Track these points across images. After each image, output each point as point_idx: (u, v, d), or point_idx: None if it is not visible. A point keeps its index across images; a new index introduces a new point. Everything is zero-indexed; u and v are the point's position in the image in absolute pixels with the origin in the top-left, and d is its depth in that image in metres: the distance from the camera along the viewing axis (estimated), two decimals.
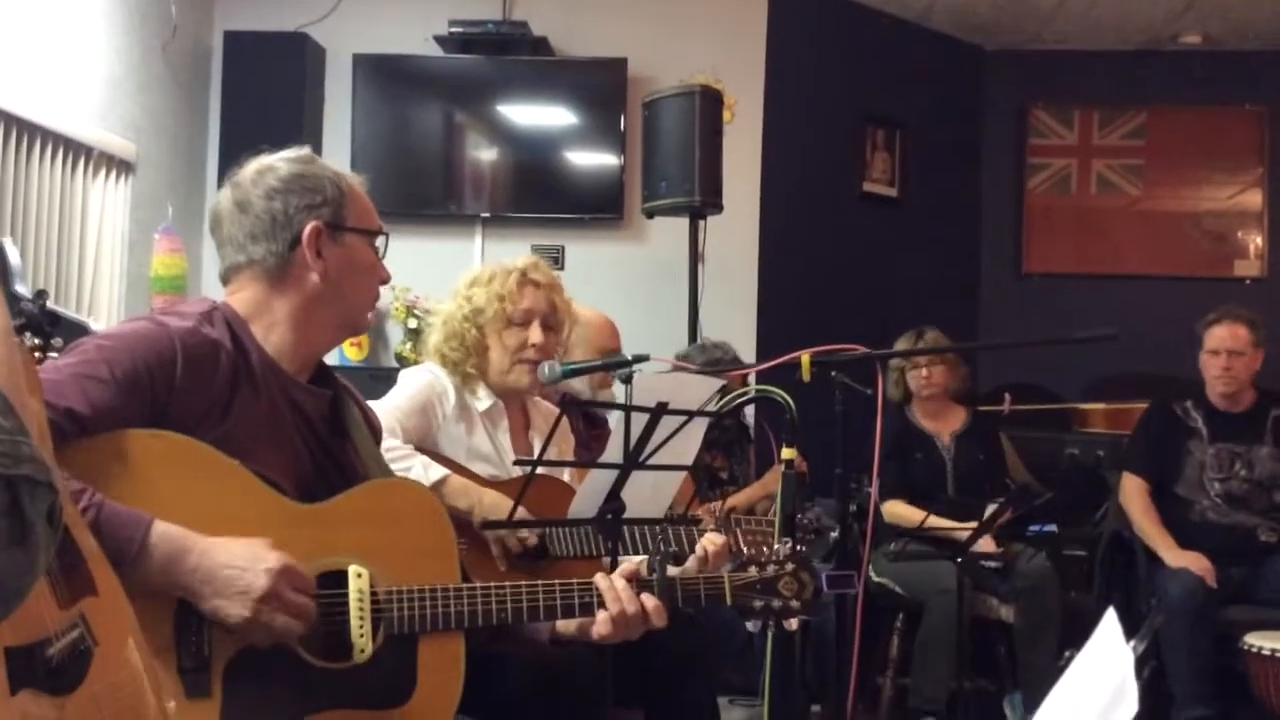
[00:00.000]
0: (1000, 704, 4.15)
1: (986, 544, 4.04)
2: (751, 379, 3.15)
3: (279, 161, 1.85)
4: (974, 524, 3.59)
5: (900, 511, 4.17)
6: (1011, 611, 4.05)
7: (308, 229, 1.80)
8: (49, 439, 1.24)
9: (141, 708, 1.29)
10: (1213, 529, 4.07)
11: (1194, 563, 3.91)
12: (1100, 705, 0.86)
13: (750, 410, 4.41)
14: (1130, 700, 0.84)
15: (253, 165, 1.86)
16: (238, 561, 1.57)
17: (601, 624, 1.84)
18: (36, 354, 2.16)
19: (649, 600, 1.85)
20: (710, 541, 2.59)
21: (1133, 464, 4.26)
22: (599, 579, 1.85)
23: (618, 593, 1.83)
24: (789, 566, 1.92)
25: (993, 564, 4.06)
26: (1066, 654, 0.97)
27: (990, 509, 3.60)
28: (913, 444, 4.35)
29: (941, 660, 3.86)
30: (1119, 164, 6.32)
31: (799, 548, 2.00)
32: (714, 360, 3.97)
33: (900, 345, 4.31)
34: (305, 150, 1.90)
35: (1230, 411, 4.18)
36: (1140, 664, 0.87)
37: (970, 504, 4.02)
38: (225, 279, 1.87)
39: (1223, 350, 4.12)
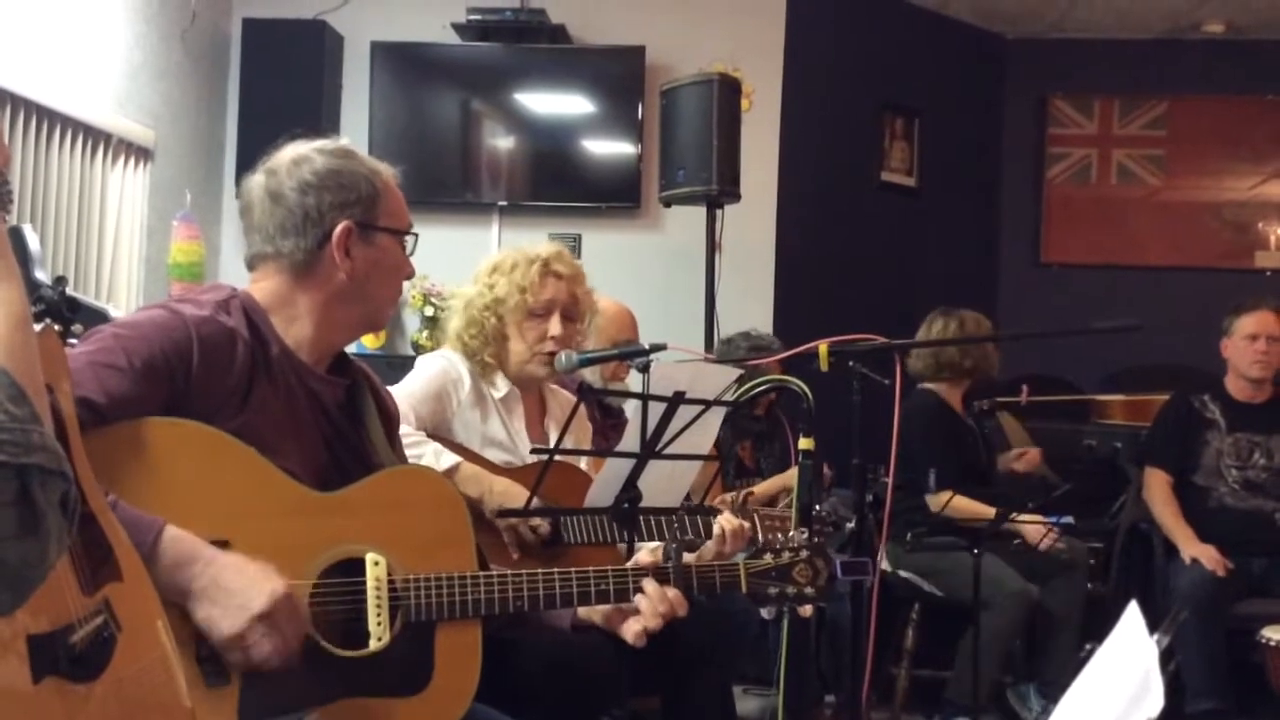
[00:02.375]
0: (1004, 694, 4.14)
1: (1038, 533, 3.95)
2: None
3: (315, 153, 1.81)
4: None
5: (965, 506, 3.93)
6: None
7: (339, 229, 1.77)
8: (75, 425, 1.24)
9: (170, 692, 1.29)
10: (1231, 514, 4.08)
11: (1206, 555, 3.92)
12: (1124, 699, 0.85)
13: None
14: (1156, 694, 0.83)
15: (289, 152, 1.82)
16: (244, 577, 1.55)
17: (638, 638, 1.86)
18: None
19: (671, 592, 1.86)
20: (727, 521, 2.59)
21: (1154, 458, 4.26)
22: (649, 586, 1.85)
23: (654, 603, 1.84)
24: (803, 553, 1.93)
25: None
26: (1088, 647, 0.95)
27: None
28: (959, 429, 4.26)
29: (997, 658, 3.85)
30: (1139, 154, 6.28)
31: (815, 538, 2.00)
32: (758, 348, 3.98)
33: (935, 324, 4.24)
34: (344, 142, 1.86)
35: (1249, 403, 4.18)
36: (1165, 657, 0.86)
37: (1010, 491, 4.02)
38: (250, 265, 1.84)
39: (1262, 335, 4.11)
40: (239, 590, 1.54)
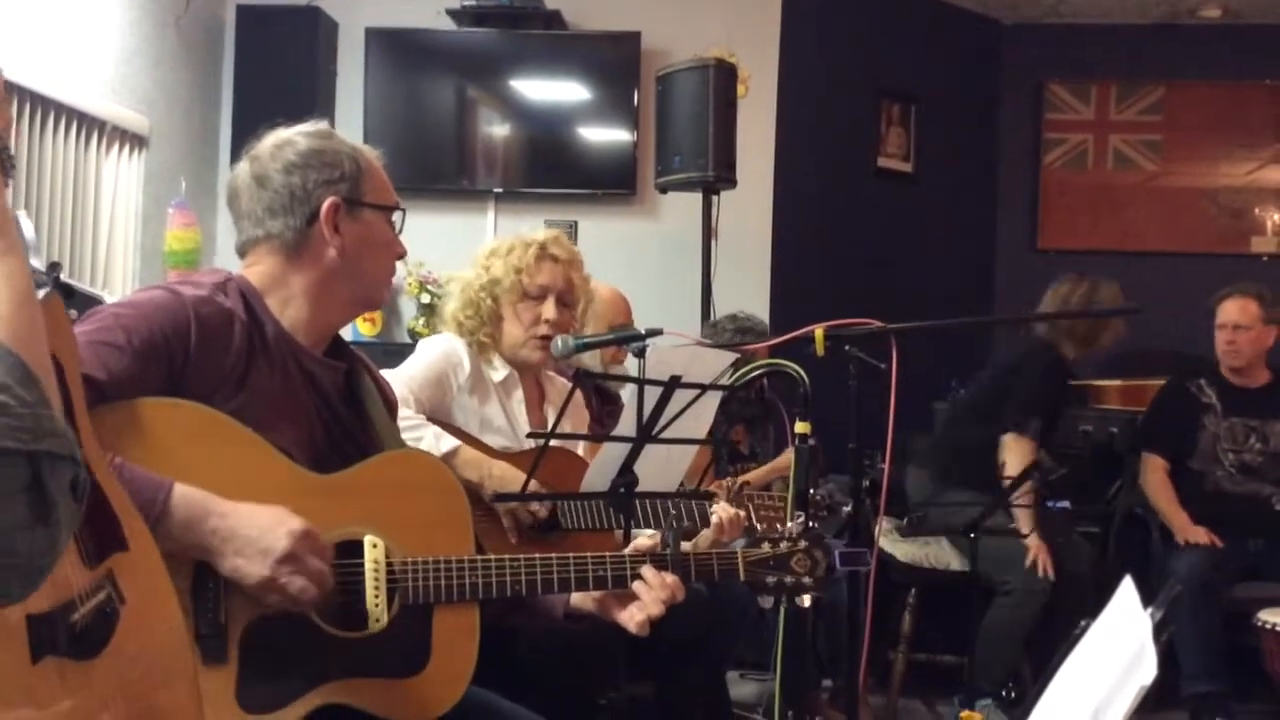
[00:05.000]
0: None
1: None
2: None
3: (297, 135, 1.84)
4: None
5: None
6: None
7: (326, 205, 1.80)
8: (81, 394, 1.23)
9: (180, 664, 1.28)
10: (1227, 498, 4.10)
11: (1199, 538, 3.94)
12: (1118, 669, 0.86)
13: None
14: (1149, 664, 0.84)
15: (270, 139, 1.85)
16: (260, 523, 1.58)
17: (641, 627, 1.85)
18: None
19: (669, 578, 1.86)
20: (723, 510, 2.59)
21: (1150, 443, 4.28)
22: (647, 573, 1.84)
23: (655, 589, 1.84)
24: (801, 543, 1.93)
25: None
26: (1083, 623, 0.96)
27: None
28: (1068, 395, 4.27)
29: (1015, 643, 3.85)
30: (1136, 139, 6.27)
31: (811, 524, 2.00)
32: (744, 330, 3.98)
33: (1062, 287, 4.16)
34: (323, 124, 1.89)
35: (1245, 387, 4.19)
36: (1158, 630, 0.86)
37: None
38: (242, 252, 1.87)
39: (1229, 324, 4.13)
40: (258, 536, 1.57)
